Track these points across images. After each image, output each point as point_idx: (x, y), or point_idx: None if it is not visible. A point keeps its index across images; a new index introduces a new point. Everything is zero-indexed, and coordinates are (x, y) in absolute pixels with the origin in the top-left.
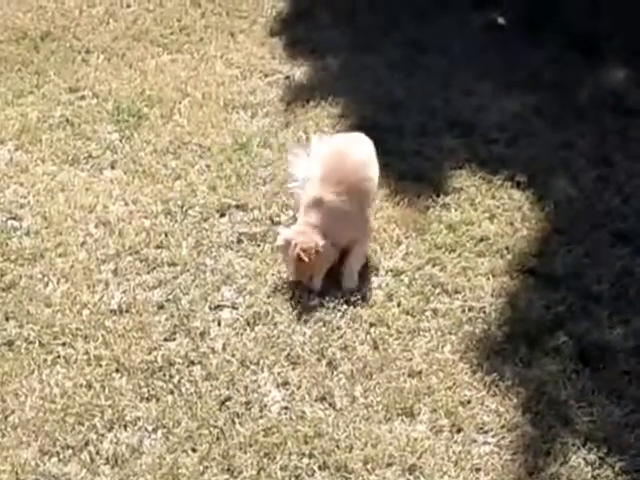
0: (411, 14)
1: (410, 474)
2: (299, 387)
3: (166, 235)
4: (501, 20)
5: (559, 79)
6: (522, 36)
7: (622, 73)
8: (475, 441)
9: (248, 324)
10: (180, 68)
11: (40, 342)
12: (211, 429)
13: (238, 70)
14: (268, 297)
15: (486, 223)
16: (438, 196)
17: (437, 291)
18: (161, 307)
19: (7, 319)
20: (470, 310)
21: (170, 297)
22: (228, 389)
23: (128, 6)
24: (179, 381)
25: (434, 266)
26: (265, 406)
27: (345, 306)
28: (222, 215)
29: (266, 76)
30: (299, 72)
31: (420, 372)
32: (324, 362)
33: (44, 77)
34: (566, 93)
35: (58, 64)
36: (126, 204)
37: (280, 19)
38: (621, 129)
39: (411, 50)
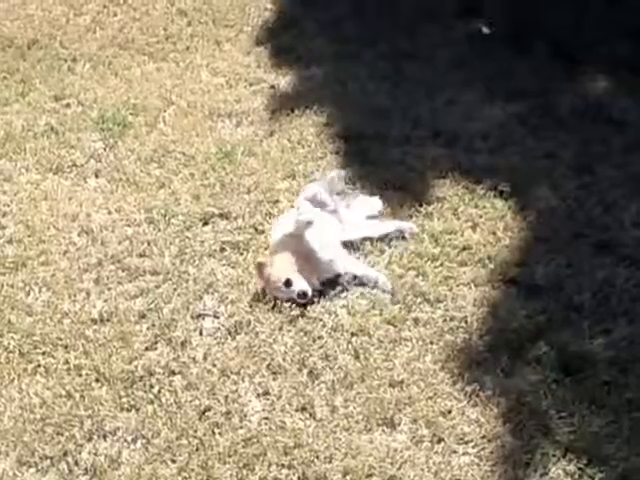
0: (396, 24)
1: None
2: (279, 397)
3: (149, 244)
4: (485, 30)
5: (542, 88)
6: (506, 46)
7: (605, 83)
8: (455, 452)
9: (229, 333)
10: (165, 77)
11: (20, 351)
12: (190, 439)
13: (223, 79)
14: (250, 306)
15: (468, 232)
16: (421, 205)
17: (419, 300)
18: (142, 316)
19: None
20: (452, 319)
21: (152, 306)
22: (208, 399)
23: (115, 15)
24: (159, 391)
25: (416, 275)
26: (245, 416)
27: (327, 316)
28: (205, 224)
29: (251, 85)
30: (284, 81)
31: (401, 382)
32: (305, 372)
33: (30, 85)
34: (549, 102)
35: (44, 72)
36: (109, 212)
37: (266, 28)
38: (603, 138)
39: (396, 59)
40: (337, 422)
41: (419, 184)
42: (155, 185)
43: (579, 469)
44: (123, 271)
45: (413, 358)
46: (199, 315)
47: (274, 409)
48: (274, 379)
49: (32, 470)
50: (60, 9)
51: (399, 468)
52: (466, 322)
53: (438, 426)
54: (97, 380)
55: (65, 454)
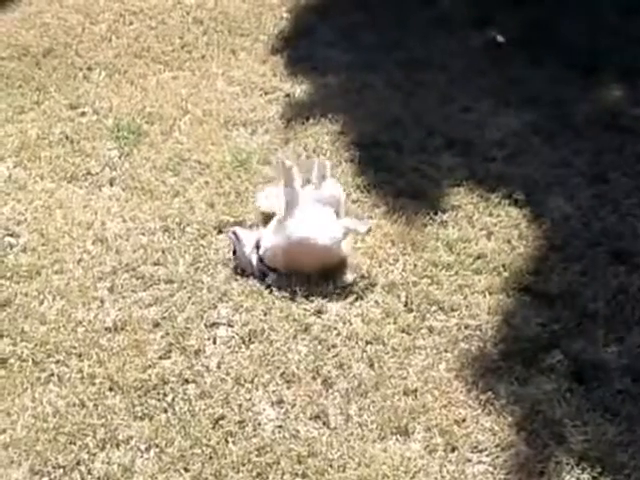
0: (411, 33)
1: None
2: (293, 405)
3: (163, 252)
4: (500, 38)
5: (557, 97)
6: (521, 54)
7: (619, 91)
8: (469, 460)
9: (243, 342)
10: (181, 85)
11: (34, 360)
12: (204, 448)
13: (239, 87)
14: (264, 314)
15: (483, 240)
16: (436, 213)
17: (433, 308)
18: (157, 325)
19: (1, 336)
20: (466, 328)
21: (166, 315)
22: (222, 408)
23: (130, 23)
24: (173, 400)
25: (431, 284)
26: (259, 425)
27: (341, 324)
28: (220, 232)
29: (267, 93)
30: (299, 89)
31: (415, 390)
32: (319, 380)
33: (45, 94)
34: (564, 111)
35: (59, 81)
36: (124, 221)
37: (282, 37)
38: (618, 147)
39: (411, 68)
40: (351, 431)
41: (434, 192)
42: (170, 193)
43: (593, 478)
44: (137, 279)
45: (427, 366)
46: (213, 324)
47: (288, 418)
48: (288, 388)
49: (45, 479)
50: (76, 18)
51: (413, 477)
52: (480, 330)
53: (452, 435)
54: (111, 389)
55: (78, 463)
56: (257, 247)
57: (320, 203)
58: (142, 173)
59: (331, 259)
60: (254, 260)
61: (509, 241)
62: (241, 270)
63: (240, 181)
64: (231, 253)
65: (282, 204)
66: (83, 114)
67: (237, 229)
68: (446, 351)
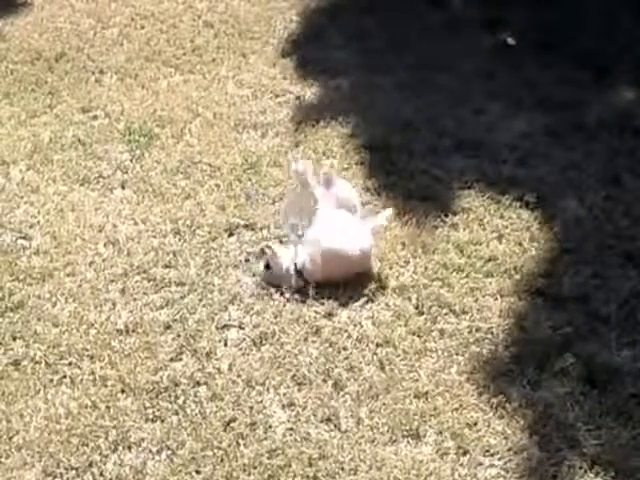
0: (421, 35)
1: None
2: (304, 408)
3: (174, 254)
4: (511, 40)
5: (568, 99)
6: (532, 56)
7: (631, 94)
8: (481, 464)
9: (254, 344)
10: (192, 88)
11: (46, 362)
12: (215, 450)
13: (249, 90)
14: (275, 317)
15: (494, 243)
16: (446, 216)
17: (444, 311)
18: (168, 327)
19: (14, 339)
20: (477, 331)
21: (177, 317)
22: (233, 410)
23: (142, 27)
24: (184, 402)
25: (442, 286)
26: (270, 427)
27: (352, 326)
28: (230, 235)
29: (277, 96)
30: (310, 92)
31: (426, 393)
32: (330, 383)
33: (57, 97)
34: (575, 113)
35: (72, 84)
36: (135, 223)
37: (291, 40)
38: (630, 149)
39: (421, 70)
40: (362, 434)
41: (444, 194)
42: (181, 196)
43: None
44: (149, 282)
45: (438, 369)
46: (224, 326)
47: (299, 420)
48: (299, 390)
49: None
50: (88, 22)
51: None
52: (492, 333)
53: (464, 438)
54: (122, 391)
55: (90, 465)
56: (294, 262)
57: (337, 207)
58: (153, 176)
59: (365, 267)
60: (293, 274)
61: (520, 244)
62: (275, 285)
63: (250, 184)
64: (263, 267)
65: (304, 210)
66: (95, 117)
67: (271, 244)
68: (457, 354)
